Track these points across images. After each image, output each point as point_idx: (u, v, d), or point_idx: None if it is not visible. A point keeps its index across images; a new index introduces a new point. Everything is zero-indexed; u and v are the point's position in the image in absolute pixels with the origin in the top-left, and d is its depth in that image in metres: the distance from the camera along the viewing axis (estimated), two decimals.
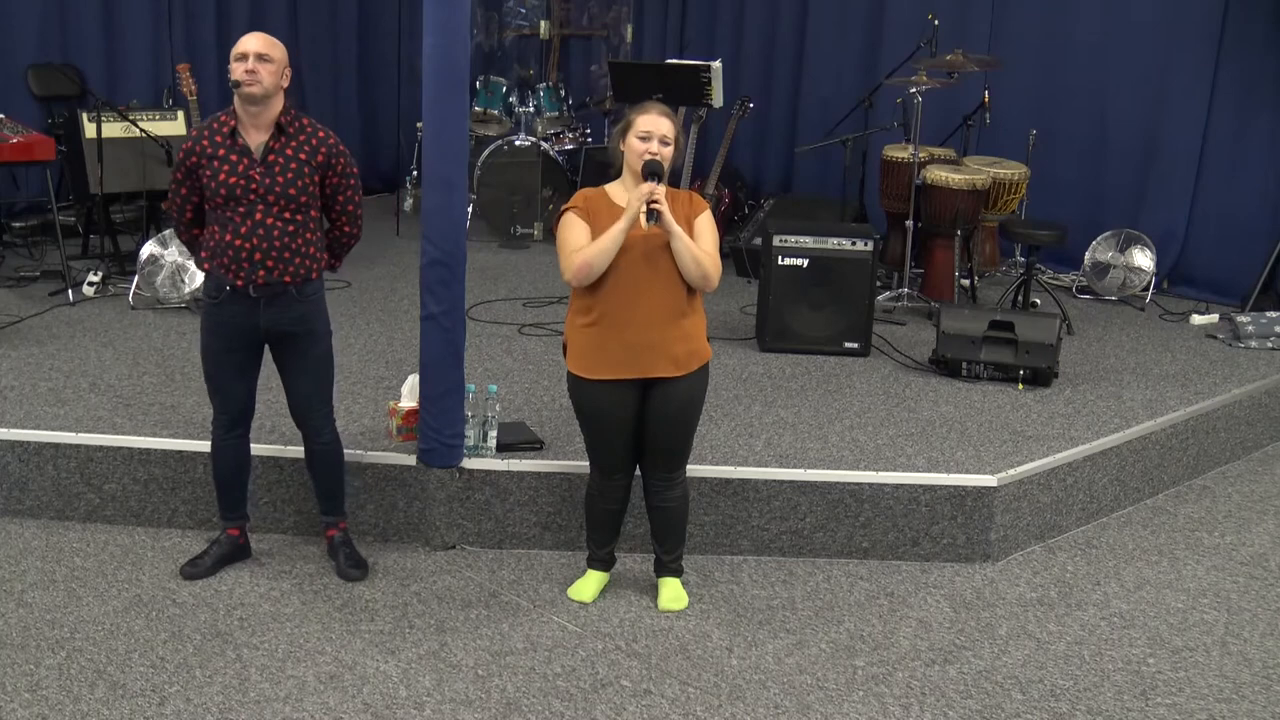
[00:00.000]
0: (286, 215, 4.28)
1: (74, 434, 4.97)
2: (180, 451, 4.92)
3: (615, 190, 4.28)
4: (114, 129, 7.21)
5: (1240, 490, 5.82)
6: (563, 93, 9.57)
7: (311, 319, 4.44)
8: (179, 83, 7.33)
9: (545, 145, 8.93)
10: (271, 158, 4.26)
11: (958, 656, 4.26)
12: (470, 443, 4.89)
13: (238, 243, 4.25)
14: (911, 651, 4.29)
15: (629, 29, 10.35)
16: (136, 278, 6.81)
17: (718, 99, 6.64)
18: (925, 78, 7.23)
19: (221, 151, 4.24)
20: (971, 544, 4.96)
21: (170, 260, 6.72)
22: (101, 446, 4.94)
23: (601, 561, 4.59)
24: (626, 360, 4.20)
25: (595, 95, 10.23)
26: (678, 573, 4.56)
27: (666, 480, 4.40)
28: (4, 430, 4.97)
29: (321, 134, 4.38)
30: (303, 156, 4.30)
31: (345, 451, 4.89)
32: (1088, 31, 8.08)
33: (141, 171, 7.34)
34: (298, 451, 4.89)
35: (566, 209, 4.24)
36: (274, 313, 4.34)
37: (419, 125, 7.35)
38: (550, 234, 8.95)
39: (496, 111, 9.32)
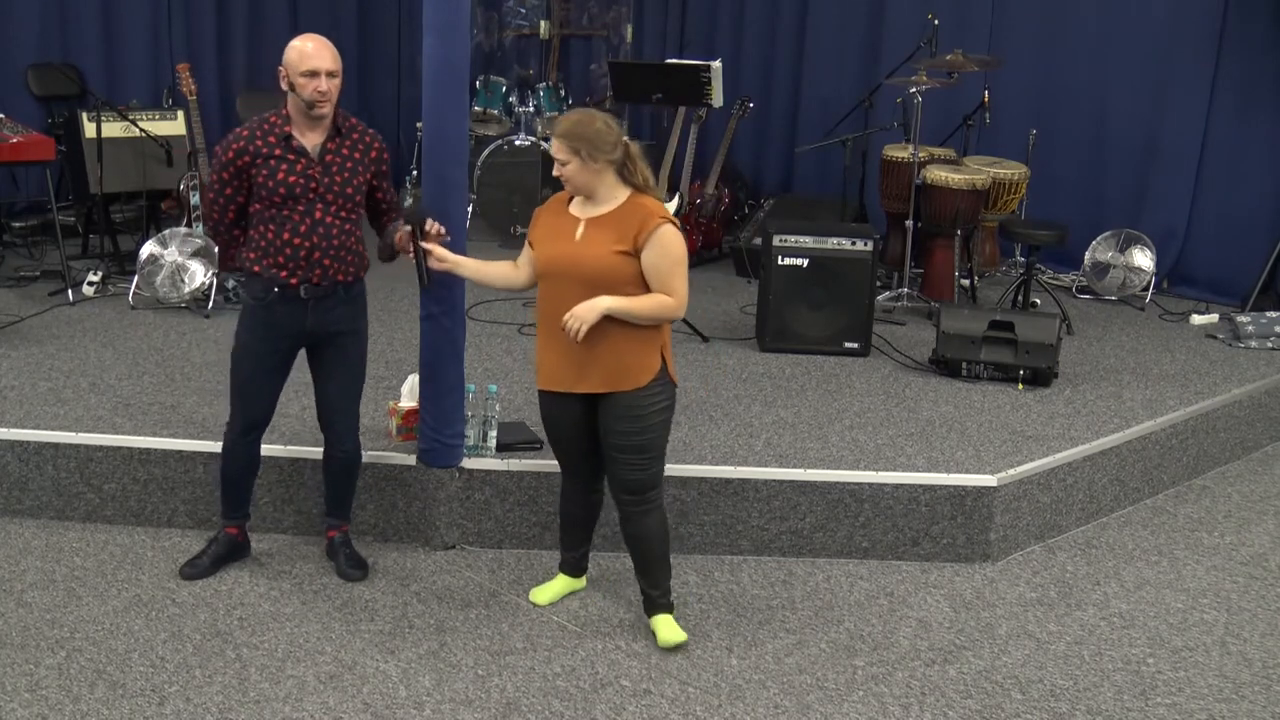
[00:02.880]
0: (343, 214, 4.29)
1: (74, 434, 4.97)
2: (180, 451, 4.92)
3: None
4: (114, 129, 7.21)
5: (1240, 490, 5.82)
6: (563, 93, 9.57)
7: (356, 318, 4.45)
8: (179, 82, 7.32)
9: (545, 145, 8.91)
10: (329, 158, 4.25)
11: (957, 656, 4.26)
12: (470, 443, 4.89)
13: (296, 241, 4.23)
14: (911, 651, 4.29)
15: (629, 29, 10.35)
16: (136, 277, 6.80)
17: (718, 99, 6.63)
18: (925, 77, 7.23)
19: (278, 152, 4.20)
20: (971, 544, 4.96)
21: (170, 260, 6.72)
22: (101, 446, 4.94)
23: (570, 565, 4.55)
24: (559, 372, 4.10)
25: (595, 95, 10.23)
26: (668, 608, 4.30)
27: (631, 504, 4.18)
28: (4, 430, 4.97)
29: (370, 133, 4.41)
30: (357, 155, 4.31)
31: None
32: (1087, 31, 8.09)
33: (141, 171, 7.34)
34: (298, 452, 4.90)
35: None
36: (321, 313, 4.33)
37: (419, 125, 7.35)
38: None
39: (496, 111, 9.31)
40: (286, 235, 4.23)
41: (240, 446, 4.52)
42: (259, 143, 4.20)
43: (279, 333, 4.34)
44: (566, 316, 3.93)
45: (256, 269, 4.29)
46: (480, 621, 4.37)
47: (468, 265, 4.34)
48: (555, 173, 4.00)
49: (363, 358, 4.54)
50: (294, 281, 4.26)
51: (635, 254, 3.95)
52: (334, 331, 4.39)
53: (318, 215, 4.24)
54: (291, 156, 4.20)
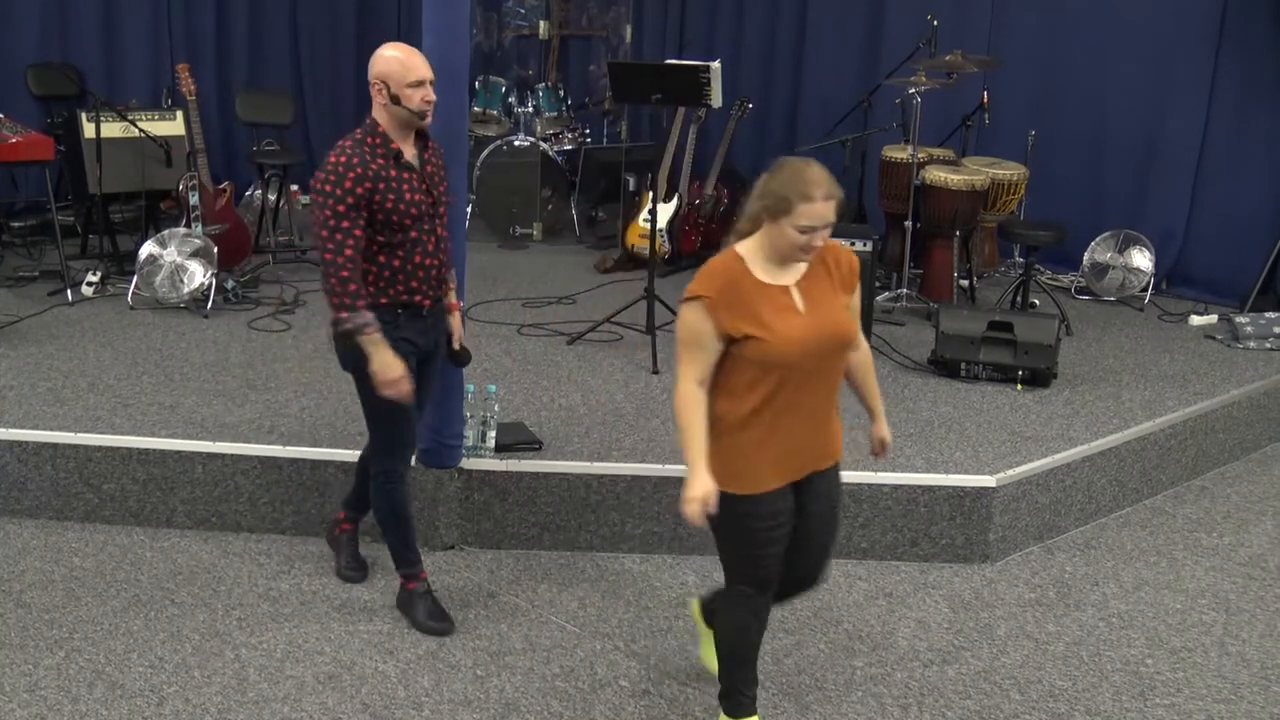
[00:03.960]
0: (445, 223, 4.14)
1: (73, 434, 4.97)
2: (179, 452, 4.92)
3: (754, 256, 3.34)
4: (113, 129, 7.21)
5: (1239, 491, 5.83)
6: (562, 93, 9.57)
7: (447, 326, 4.32)
8: (178, 83, 7.33)
9: (544, 146, 8.93)
10: (429, 169, 4.05)
11: (956, 657, 4.26)
12: (469, 443, 4.89)
13: (428, 262, 4.03)
14: (910, 652, 4.30)
15: (628, 29, 10.35)
16: (135, 278, 6.81)
17: (717, 99, 6.63)
18: (924, 78, 7.23)
19: (393, 172, 3.90)
20: (970, 544, 4.96)
21: (169, 260, 6.72)
22: (100, 446, 4.93)
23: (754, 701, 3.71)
24: (799, 457, 3.43)
25: (594, 96, 10.24)
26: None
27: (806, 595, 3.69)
28: (3, 430, 4.97)
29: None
30: (438, 160, 4.16)
31: (345, 452, 4.92)
32: (1087, 32, 8.08)
33: (141, 171, 7.34)
34: (297, 452, 4.90)
35: (694, 295, 3.28)
36: (436, 322, 4.18)
37: None
38: (550, 234, 8.96)
39: (496, 112, 9.32)
40: (418, 258, 4.00)
41: (403, 480, 4.23)
42: (374, 167, 3.86)
43: (412, 351, 4.08)
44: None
45: (384, 300, 3.97)
46: (479, 622, 4.37)
47: (701, 466, 3.30)
48: (819, 242, 3.24)
49: None
50: (427, 303, 4.07)
51: (848, 296, 3.47)
52: (438, 343, 4.26)
53: (439, 231, 4.06)
54: (406, 175, 3.94)
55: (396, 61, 3.89)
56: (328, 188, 3.81)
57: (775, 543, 3.43)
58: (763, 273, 3.33)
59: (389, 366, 3.88)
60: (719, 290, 3.27)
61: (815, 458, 3.46)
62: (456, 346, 4.33)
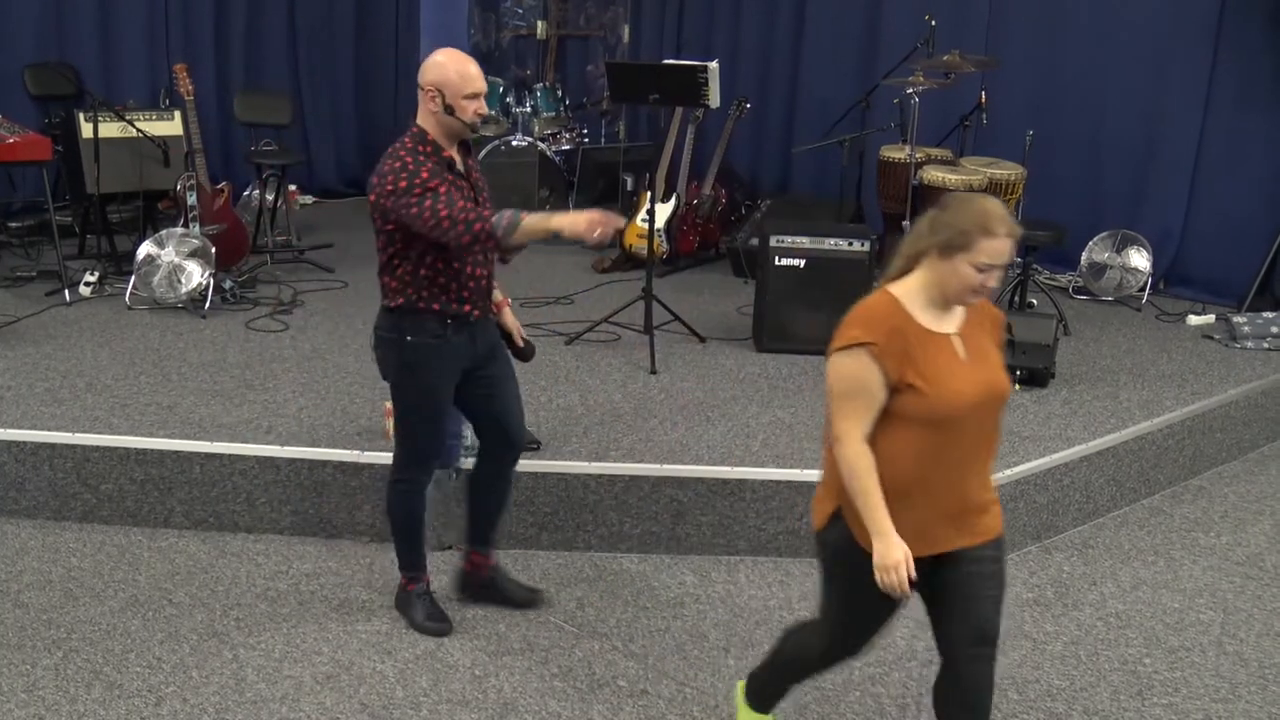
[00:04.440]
0: None
1: (70, 434, 4.97)
2: (177, 452, 4.91)
3: (913, 298, 3.11)
4: (111, 129, 7.21)
5: (1236, 491, 5.83)
6: (560, 93, 9.58)
7: (497, 329, 4.25)
8: (176, 83, 7.31)
9: (542, 146, 8.93)
10: (475, 176, 4.01)
11: None
12: (467, 443, 4.88)
13: (479, 272, 3.98)
14: (908, 652, 4.30)
15: (626, 29, 10.36)
16: (133, 278, 6.80)
17: (714, 99, 6.62)
18: (922, 78, 7.24)
19: (449, 178, 3.85)
20: None
21: (167, 260, 6.72)
22: (98, 446, 4.93)
23: None
24: (955, 526, 3.16)
25: (592, 96, 10.24)
26: None
27: (988, 656, 3.32)
28: (1, 430, 4.96)
29: None
30: (478, 169, 4.10)
31: (343, 452, 4.91)
32: (1084, 32, 8.09)
33: (138, 171, 7.33)
34: (295, 452, 4.90)
35: (856, 341, 3.04)
36: (485, 332, 4.11)
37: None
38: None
39: (493, 112, 9.32)
40: (470, 268, 3.94)
41: (424, 489, 4.23)
42: (441, 176, 3.82)
43: (457, 363, 4.04)
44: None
45: (436, 306, 3.92)
46: (477, 621, 4.37)
47: (890, 529, 3.04)
48: (993, 283, 3.02)
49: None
50: (477, 314, 4.02)
51: (999, 352, 3.22)
52: (494, 344, 4.18)
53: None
54: (458, 183, 3.89)
55: (455, 71, 3.84)
56: (402, 183, 3.75)
57: (890, 612, 3.25)
58: (924, 317, 3.08)
59: (574, 222, 3.76)
60: (885, 335, 3.01)
61: (967, 530, 3.15)
62: (520, 343, 4.28)
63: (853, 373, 3.03)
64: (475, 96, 3.86)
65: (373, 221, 3.91)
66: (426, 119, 3.88)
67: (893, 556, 3.01)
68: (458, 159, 3.95)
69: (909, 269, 3.14)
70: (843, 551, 3.15)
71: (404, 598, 4.35)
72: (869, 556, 3.05)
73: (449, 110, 3.84)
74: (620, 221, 3.80)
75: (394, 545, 4.33)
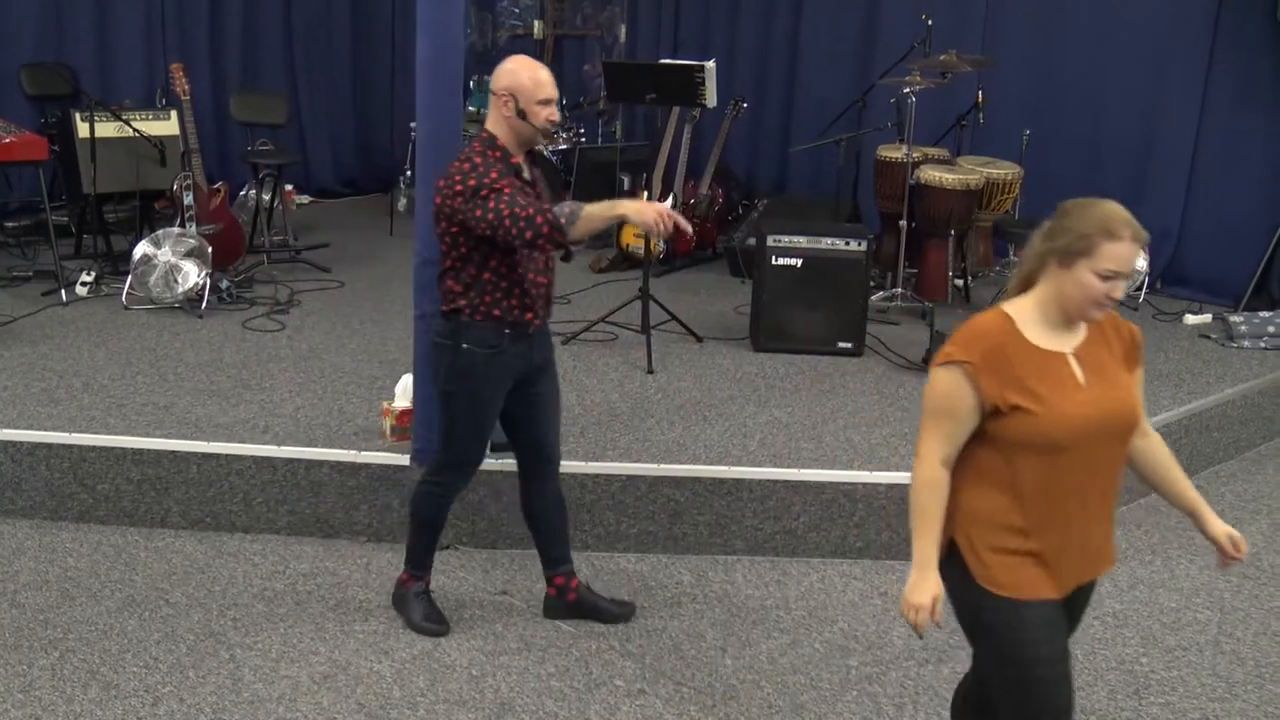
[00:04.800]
0: None
1: (67, 434, 4.96)
2: (174, 452, 4.91)
3: (1027, 316, 2.88)
4: (107, 129, 7.20)
5: (1233, 490, 5.83)
6: None
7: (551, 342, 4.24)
8: (172, 82, 7.31)
9: (539, 145, 8.91)
10: (538, 186, 4.00)
11: (951, 656, 4.26)
12: None
13: (541, 280, 3.98)
14: (905, 651, 4.30)
15: (622, 29, 10.35)
16: (130, 278, 6.80)
17: (711, 99, 6.64)
18: (919, 78, 7.24)
19: (517, 183, 3.85)
20: None
21: (164, 260, 6.71)
22: (94, 446, 4.93)
23: None
24: (1080, 561, 2.97)
25: (589, 95, 10.23)
26: None
27: None
28: None
29: None
30: (543, 178, 4.09)
31: (340, 452, 4.91)
32: (1081, 32, 8.09)
33: (135, 171, 7.32)
34: (292, 452, 4.90)
35: (951, 359, 2.85)
36: (542, 343, 4.10)
37: (413, 125, 7.36)
38: None
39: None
40: (533, 275, 3.93)
41: (455, 495, 4.26)
42: (509, 180, 3.81)
43: (510, 374, 4.00)
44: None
45: (497, 312, 3.90)
46: (474, 621, 4.36)
47: (932, 563, 2.87)
48: (1118, 294, 2.80)
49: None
50: (538, 322, 4.01)
51: (1131, 372, 2.98)
52: (548, 358, 4.16)
53: (549, 248, 3.95)
54: (528, 190, 3.89)
55: (528, 77, 3.86)
56: (471, 182, 3.74)
57: (1050, 664, 2.84)
58: (1037, 335, 2.85)
59: (641, 211, 3.77)
60: (984, 354, 2.79)
61: (1088, 565, 2.96)
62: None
63: (943, 390, 2.86)
64: (548, 102, 3.88)
65: (435, 225, 3.89)
66: (498, 124, 3.89)
67: (921, 596, 2.82)
68: (525, 167, 3.95)
69: (1027, 286, 2.92)
70: (960, 596, 2.90)
71: (402, 595, 4.34)
72: (996, 602, 2.83)
73: (522, 115, 3.85)
74: (685, 222, 3.80)
75: (407, 540, 4.32)
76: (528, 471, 4.26)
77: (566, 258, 4.17)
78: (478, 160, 3.80)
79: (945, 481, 2.86)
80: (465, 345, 3.92)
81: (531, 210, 3.71)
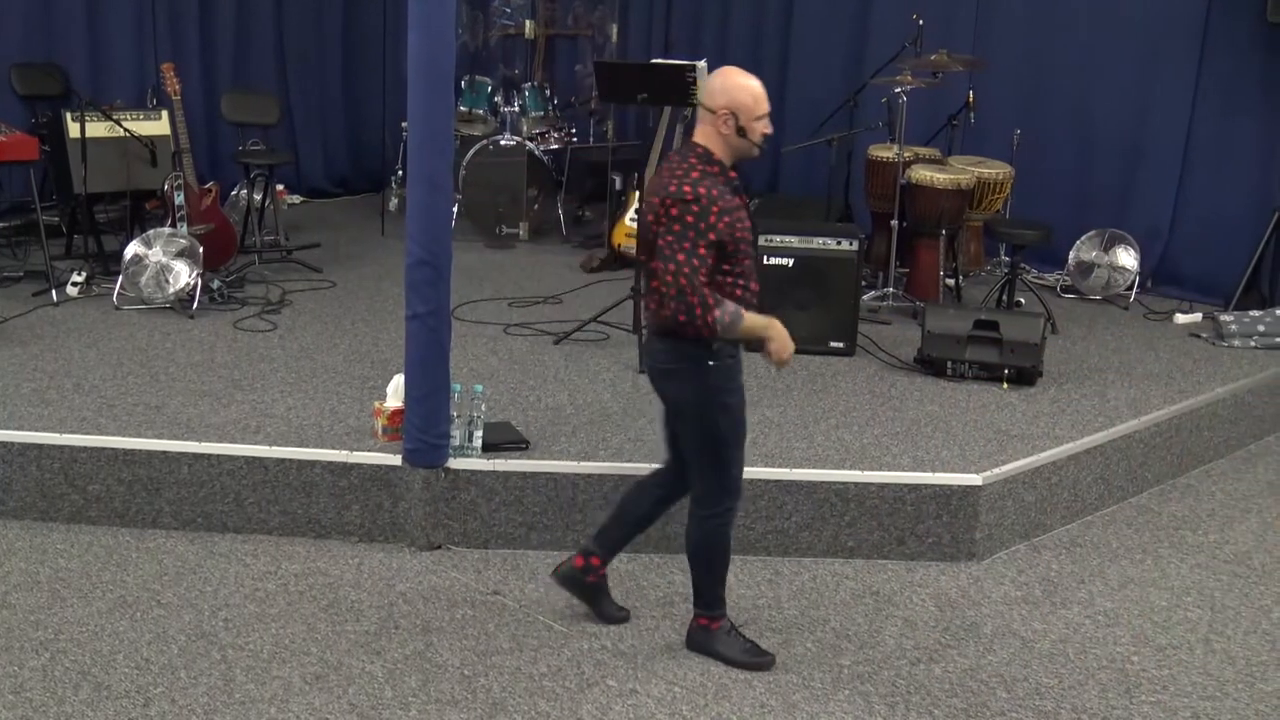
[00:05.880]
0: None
1: (58, 434, 4.95)
2: (165, 452, 4.90)
3: None
4: (98, 129, 7.18)
5: (1224, 489, 5.85)
6: (548, 92, 9.57)
7: None
8: (163, 82, 7.30)
9: (530, 145, 8.92)
10: (742, 196, 3.95)
11: (943, 655, 4.27)
12: (456, 443, 4.89)
13: (755, 288, 3.94)
14: (897, 650, 4.30)
15: (614, 29, 10.35)
16: (120, 278, 6.78)
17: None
18: (910, 78, 7.25)
19: (736, 200, 3.84)
20: (956, 543, 4.97)
21: (154, 260, 6.70)
22: (85, 447, 4.92)
23: None
24: None
25: (580, 95, 10.24)
26: None
27: None
28: None
29: None
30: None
31: (331, 452, 4.90)
32: (1072, 32, 8.11)
33: (125, 171, 7.31)
34: (284, 453, 4.89)
35: None
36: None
37: (404, 125, 7.35)
38: (536, 234, 8.95)
39: (482, 111, 9.31)
40: (755, 285, 3.92)
41: (735, 516, 4.10)
42: (728, 198, 3.79)
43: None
44: None
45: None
46: (466, 622, 4.36)
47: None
48: None
49: None
50: None
51: None
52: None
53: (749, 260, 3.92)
54: (738, 200, 3.86)
55: (749, 93, 3.81)
56: (694, 218, 3.70)
57: None
58: None
59: (786, 344, 3.88)
60: None
61: None
62: None
63: None
64: (764, 117, 3.86)
65: (647, 234, 3.83)
66: (712, 139, 3.83)
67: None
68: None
69: None
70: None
71: (707, 637, 4.17)
72: None
73: (742, 132, 3.81)
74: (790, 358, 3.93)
75: (694, 581, 4.14)
76: (666, 484, 4.23)
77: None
78: (714, 192, 3.73)
79: None
80: (711, 362, 3.84)
81: (706, 293, 3.69)
